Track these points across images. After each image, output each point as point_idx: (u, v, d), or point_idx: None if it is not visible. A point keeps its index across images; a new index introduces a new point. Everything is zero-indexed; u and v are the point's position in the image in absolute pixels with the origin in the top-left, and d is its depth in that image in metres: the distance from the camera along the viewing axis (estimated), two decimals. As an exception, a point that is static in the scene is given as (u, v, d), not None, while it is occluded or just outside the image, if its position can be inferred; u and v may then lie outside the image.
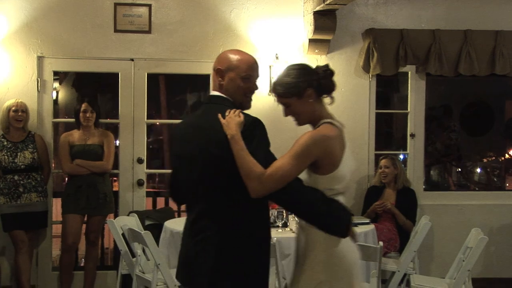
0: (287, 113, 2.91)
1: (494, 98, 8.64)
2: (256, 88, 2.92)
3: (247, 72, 2.85)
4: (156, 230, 5.24)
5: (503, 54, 6.36)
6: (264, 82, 6.00)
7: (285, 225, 4.89)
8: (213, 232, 2.76)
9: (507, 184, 9.16)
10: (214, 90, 2.90)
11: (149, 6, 6.20)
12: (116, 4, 6.16)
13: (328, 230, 2.77)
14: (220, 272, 2.76)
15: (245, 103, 2.88)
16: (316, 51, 6.24)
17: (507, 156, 9.32)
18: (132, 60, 6.24)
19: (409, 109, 6.59)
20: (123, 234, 4.93)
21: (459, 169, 8.88)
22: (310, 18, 6.05)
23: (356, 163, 2.96)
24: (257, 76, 2.91)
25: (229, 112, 2.73)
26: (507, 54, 6.37)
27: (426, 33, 6.32)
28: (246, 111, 2.82)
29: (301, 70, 2.88)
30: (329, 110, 2.92)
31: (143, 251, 4.87)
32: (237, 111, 2.74)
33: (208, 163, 2.76)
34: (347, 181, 2.85)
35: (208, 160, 2.76)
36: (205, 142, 2.77)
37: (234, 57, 2.86)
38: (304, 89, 2.83)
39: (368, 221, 5.35)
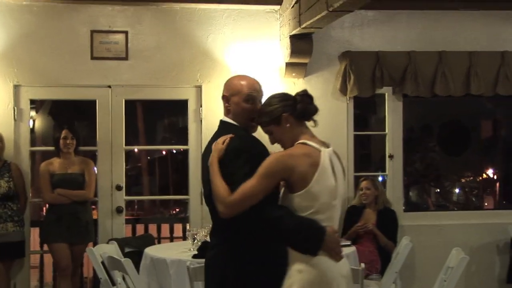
0: (272, 140, 3.01)
1: (469, 118, 8.72)
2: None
3: (248, 93, 3.03)
4: (136, 257, 5.18)
5: (478, 74, 6.43)
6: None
7: None
8: (219, 250, 2.97)
9: (486, 204, 9.21)
10: (224, 115, 3.11)
11: (126, 32, 6.20)
12: (92, 32, 6.15)
13: (296, 247, 2.81)
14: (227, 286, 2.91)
15: (250, 127, 3.07)
16: (293, 74, 6.26)
17: (484, 175, 9.38)
18: (110, 87, 6.22)
19: (387, 130, 6.62)
20: (102, 262, 4.87)
21: (438, 190, 8.92)
22: (286, 42, 6.08)
23: (339, 183, 2.94)
24: (259, 96, 3.07)
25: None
26: (481, 74, 6.44)
27: (402, 55, 6.38)
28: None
29: (278, 97, 2.98)
30: (311, 133, 2.98)
31: (123, 278, 4.80)
32: (226, 138, 2.90)
33: (206, 189, 2.97)
34: (326, 199, 2.84)
35: (206, 186, 2.96)
36: (205, 169, 3.00)
37: (236, 82, 3.09)
38: (280, 115, 2.92)
39: (349, 243, 5.32)
